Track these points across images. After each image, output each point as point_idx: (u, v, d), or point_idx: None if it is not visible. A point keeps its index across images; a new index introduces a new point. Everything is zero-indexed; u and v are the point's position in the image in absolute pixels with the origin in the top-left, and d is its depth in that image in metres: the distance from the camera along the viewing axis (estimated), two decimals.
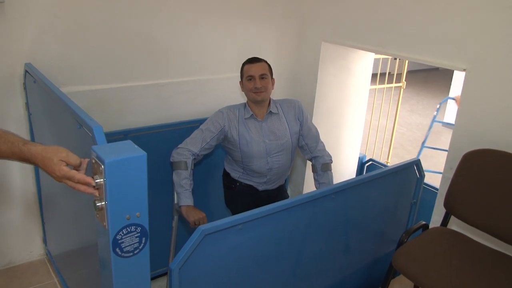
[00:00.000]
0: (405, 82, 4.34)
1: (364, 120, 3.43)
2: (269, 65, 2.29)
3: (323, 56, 2.93)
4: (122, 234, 1.17)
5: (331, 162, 2.42)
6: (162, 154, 2.32)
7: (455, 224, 2.16)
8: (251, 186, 2.36)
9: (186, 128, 2.43)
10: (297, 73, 3.11)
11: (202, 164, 2.53)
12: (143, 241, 1.22)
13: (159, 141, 2.42)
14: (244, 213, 1.57)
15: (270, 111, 2.29)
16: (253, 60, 2.26)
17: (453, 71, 6.02)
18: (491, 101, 2.02)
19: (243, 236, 1.58)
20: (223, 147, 2.38)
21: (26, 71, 2.09)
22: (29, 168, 2.35)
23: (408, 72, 4.27)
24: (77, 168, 1.17)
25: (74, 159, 1.16)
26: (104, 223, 1.16)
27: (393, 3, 2.40)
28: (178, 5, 2.47)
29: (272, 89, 2.30)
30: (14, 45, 2.11)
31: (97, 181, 1.12)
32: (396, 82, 4.40)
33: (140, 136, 2.38)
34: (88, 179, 1.12)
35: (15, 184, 2.36)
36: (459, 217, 2.03)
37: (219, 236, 1.50)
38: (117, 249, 1.18)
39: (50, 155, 1.14)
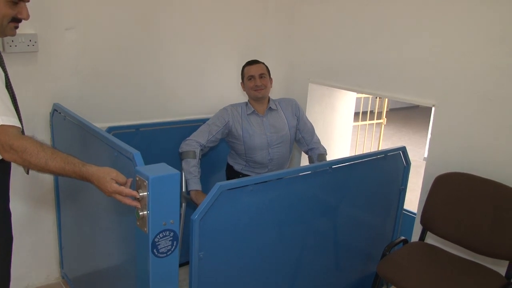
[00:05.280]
0: (385, 119, 4.72)
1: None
2: (266, 67, 2.62)
3: (310, 95, 3.28)
4: (159, 238, 1.44)
5: (326, 154, 2.69)
6: (169, 149, 2.60)
7: (430, 238, 2.46)
8: None
9: (192, 127, 2.69)
10: None
11: (204, 161, 2.72)
12: (174, 244, 1.49)
13: (166, 136, 2.71)
14: (255, 176, 1.84)
15: (270, 107, 2.60)
16: (252, 62, 2.61)
17: (432, 109, 6.48)
18: (456, 132, 2.36)
19: (253, 197, 1.82)
20: (226, 142, 2.64)
21: (54, 110, 2.39)
22: (49, 194, 2.60)
23: (390, 110, 4.68)
24: (123, 185, 1.45)
25: (122, 178, 1.44)
26: (145, 229, 1.43)
27: (371, 48, 2.77)
28: (182, 54, 2.85)
29: (271, 87, 2.61)
30: (44, 88, 2.42)
31: (141, 194, 1.41)
32: (377, 119, 4.79)
33: (149, 131, 2.68)
34: (134, 192, 1.41)
35: (35, 211, 2.60)
36: (433, 232, 2.34)
37: (233, 194, 1.74)
38: (155, 250, 1.45)
39: (104, 175, 1.42)
